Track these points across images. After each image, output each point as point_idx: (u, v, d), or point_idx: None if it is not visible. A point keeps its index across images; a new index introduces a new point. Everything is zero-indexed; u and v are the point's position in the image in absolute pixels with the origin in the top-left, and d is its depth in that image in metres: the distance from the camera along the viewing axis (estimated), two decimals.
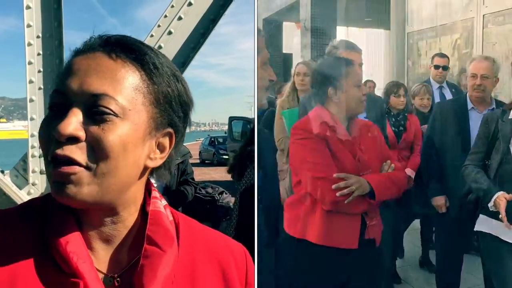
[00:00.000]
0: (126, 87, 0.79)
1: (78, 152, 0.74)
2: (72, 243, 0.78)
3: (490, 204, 2.48)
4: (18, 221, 0.82)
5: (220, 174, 17.30)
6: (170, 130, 0.86)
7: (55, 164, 0.75)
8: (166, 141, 0.86)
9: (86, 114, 0.76)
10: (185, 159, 3.83)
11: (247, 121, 15.43)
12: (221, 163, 20.40)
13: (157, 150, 0.85)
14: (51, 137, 0.75)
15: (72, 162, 0.74)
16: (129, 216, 0.86)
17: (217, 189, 4.80)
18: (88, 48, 0.82)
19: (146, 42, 0.97)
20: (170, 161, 0.89)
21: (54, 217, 0.81)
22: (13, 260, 0.77)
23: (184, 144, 0.94)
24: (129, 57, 0.81)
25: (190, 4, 3.00)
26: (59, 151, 0.74)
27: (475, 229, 2.65)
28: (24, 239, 0.80)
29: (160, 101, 0.83)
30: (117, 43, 0.82)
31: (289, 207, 2.48)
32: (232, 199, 4.41)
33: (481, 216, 2.62)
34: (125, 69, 0.80)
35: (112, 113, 0.76)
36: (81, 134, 0.75)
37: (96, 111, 0.76)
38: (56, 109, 0.78)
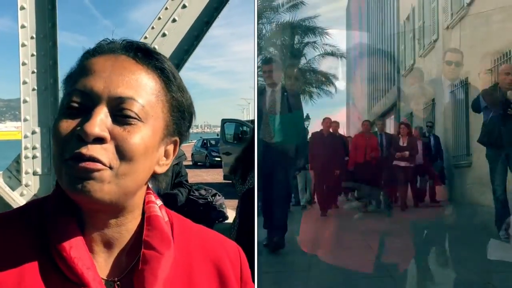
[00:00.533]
0: (149, 93, 0.81)
1: (102, 152, 0.74)
2: (76, 248, 0.78)
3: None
4: (19, 225, 0.82)
5: (212, 176, 17.30)
6: (177, 138, 0.88)
7: (76, 160, 0.74)
8: (171, 148, 0.88)
9: (111, 116, 0.77)
10: (179, 161, 3.84)
11: (240, 123, 15.45)
12: (213, 165, 20.40)
13: (163, 157, 0.87)
14: (73, 136, 0.75)
15: (95, 161, 0.74)
16: (133, 220, 0.86)
17: (210, 191, 4.79)
18: (109, 50, 0.83)
19: None
20: (169, 168, 0.91)
21: (56, 220, 0.81)
22: (18, 265, 0.77)
23: None
24: (151, 64, 0.83)
25: (184, 6, 3.01)
26: (84, 151, 0.74)
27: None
28: (26, 243, 0.80)
29: (175, 110, 0.85)
30: (140, 48, 0.84)
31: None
32: (225, 201, 4.41)
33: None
34: (149, 75, 0.82)
35: (137, 117, 0.78)
36: (107, 135, 0.75)
37: (121, 114, 0.77)
38: (77, 108, 0.78)
